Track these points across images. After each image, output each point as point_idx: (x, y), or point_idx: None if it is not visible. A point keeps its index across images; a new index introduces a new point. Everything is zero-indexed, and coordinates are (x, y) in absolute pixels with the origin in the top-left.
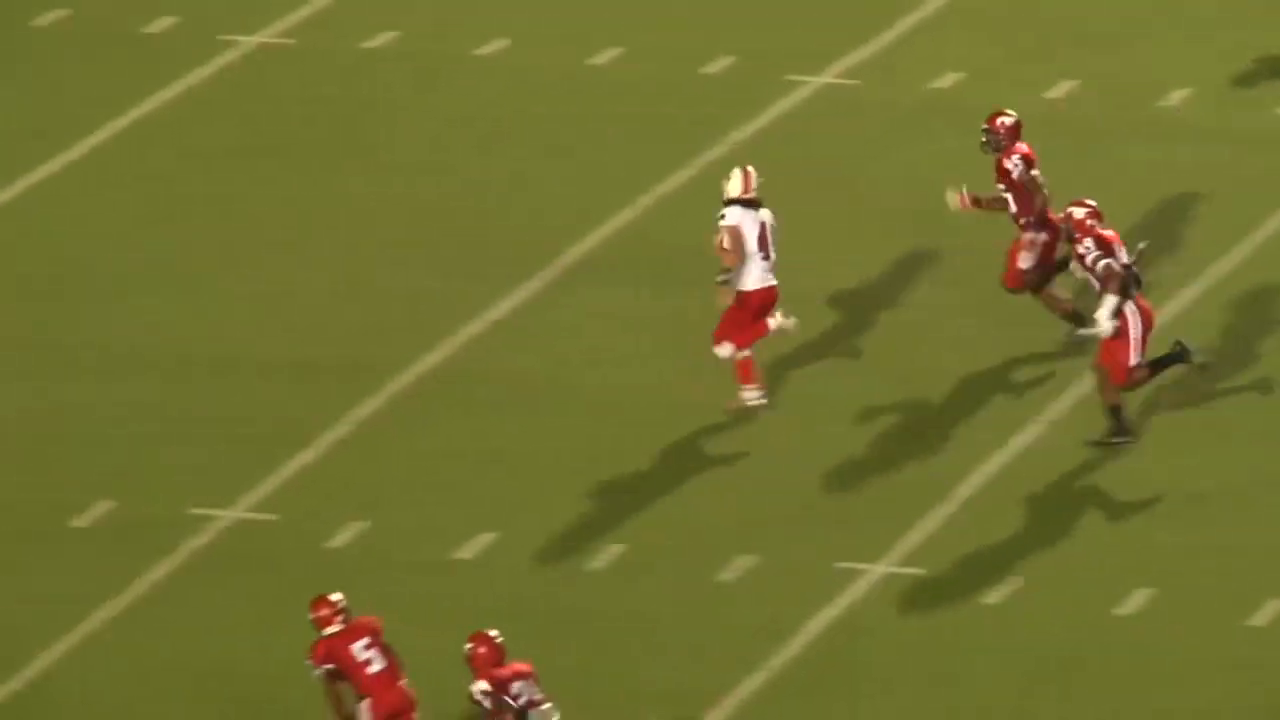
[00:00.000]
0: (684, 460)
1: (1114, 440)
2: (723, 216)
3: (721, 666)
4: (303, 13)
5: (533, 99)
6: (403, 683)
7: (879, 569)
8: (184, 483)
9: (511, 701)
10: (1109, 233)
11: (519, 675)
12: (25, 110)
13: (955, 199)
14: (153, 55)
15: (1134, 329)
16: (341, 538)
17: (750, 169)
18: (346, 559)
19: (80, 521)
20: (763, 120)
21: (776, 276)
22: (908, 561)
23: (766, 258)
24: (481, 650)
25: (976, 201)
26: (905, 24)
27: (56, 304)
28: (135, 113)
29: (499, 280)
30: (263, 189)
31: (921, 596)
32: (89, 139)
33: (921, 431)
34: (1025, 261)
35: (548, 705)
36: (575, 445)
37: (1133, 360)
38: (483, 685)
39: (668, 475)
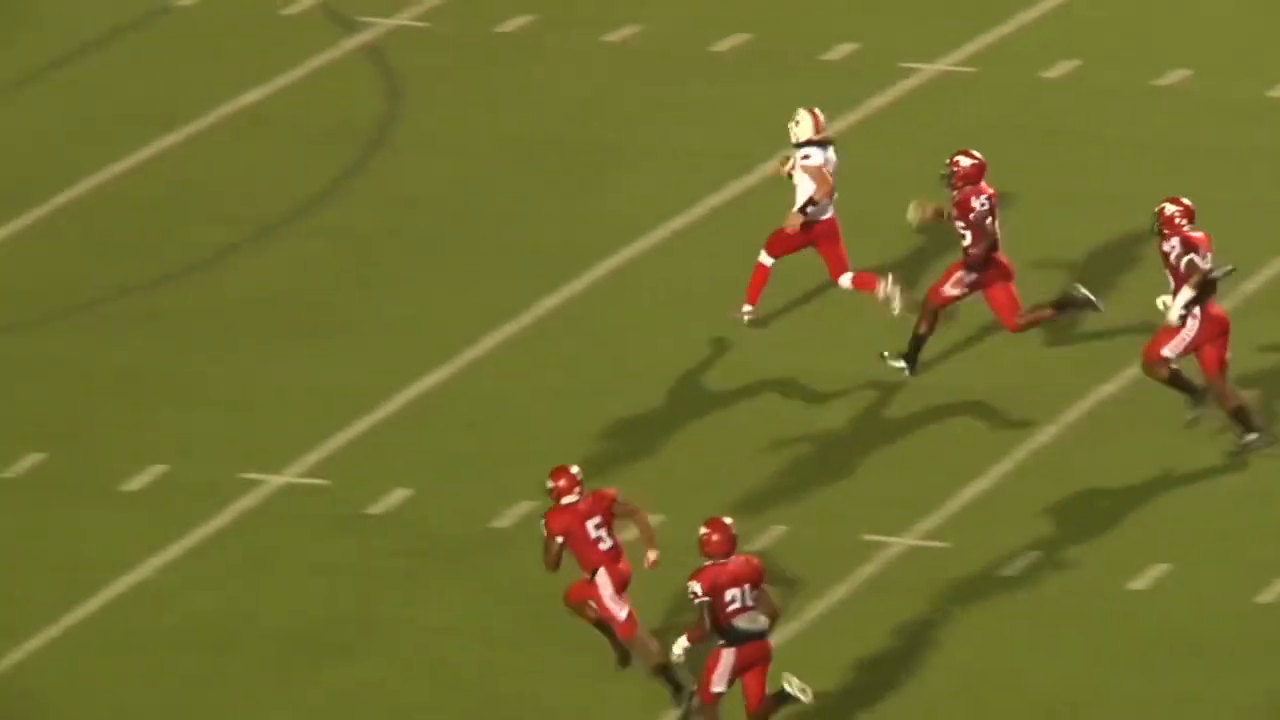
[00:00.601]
0: None
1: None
2: (806, 157)
3: None
4: (985, 40)
5: (1211, 129)
6: (624, 561)
7: None
8: (855, 508)
9: (722, 607)
10: (1198, 234)
11: (738, 579)
12: (699, 131)
13: (916, 212)
14: (832, 81)
15: (1189, 330)
16: (1014, 565)
17: (817, 110)
18: (1016, 585)
19: (759, 543)
20: None
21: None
22: None
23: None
24: (715, 538)
25: (939, 215)
26: None
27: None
28: None
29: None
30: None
31: None
32: (763, 164)
33: None
34: (954, 289)
35: (761, 617)
36: (1252, 477)
37: (1168, 352)
38: (697, 586)
39: None
